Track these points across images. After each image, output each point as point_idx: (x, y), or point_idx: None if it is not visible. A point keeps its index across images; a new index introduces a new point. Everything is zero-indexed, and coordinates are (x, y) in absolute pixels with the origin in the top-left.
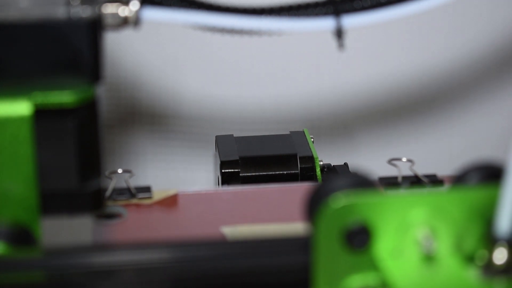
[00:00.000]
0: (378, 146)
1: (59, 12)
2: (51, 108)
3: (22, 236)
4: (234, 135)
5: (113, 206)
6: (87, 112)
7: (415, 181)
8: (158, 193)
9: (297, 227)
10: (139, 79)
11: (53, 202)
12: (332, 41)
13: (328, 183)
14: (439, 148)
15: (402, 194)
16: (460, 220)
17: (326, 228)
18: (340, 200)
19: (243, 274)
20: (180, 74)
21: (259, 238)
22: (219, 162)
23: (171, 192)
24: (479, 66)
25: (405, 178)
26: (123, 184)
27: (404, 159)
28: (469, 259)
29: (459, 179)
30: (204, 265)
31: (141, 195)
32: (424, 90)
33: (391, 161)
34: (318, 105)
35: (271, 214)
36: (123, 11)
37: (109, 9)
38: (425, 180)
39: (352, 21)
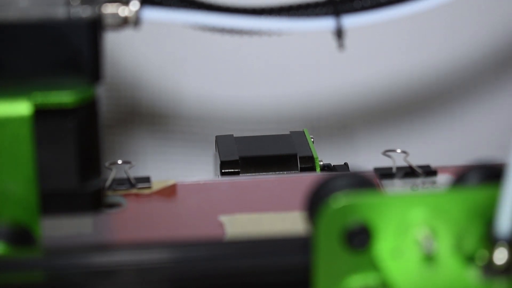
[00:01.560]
0: (378, 146)
1: (59, 12)
2: (51, 108)
3: (22, 236)
4: (234, 135)
5: (113, 196)
6: (87, 112)
7: (409, 171)
8: (157, 183)
9: (294, 216)
10: (139, 79)
11: (53, 202)
12: (332, 41)
13: (328, 183)
14: (439, 148)
15: (402, 194)
16: (460, 220)
17: (326, 228)
18: (340, 200)
19: (243, 274)
20: (180, 74)
21: (259, 238)
22: (219, 162)
23: (170, 182)
24: (479, 66)
25: (399, 169)
26: (123, 175)
27: (398, 151)
28: (470, 259)
29: (459, 179)
30: (204, 265)
31: (140, 185)
32: (424, 90)
33: (385, 152)
34: (318, 105)
35: (268, 203)
36: (123, 11)
37: (109, 9)
38: (419, 170)
39: (352, 21)
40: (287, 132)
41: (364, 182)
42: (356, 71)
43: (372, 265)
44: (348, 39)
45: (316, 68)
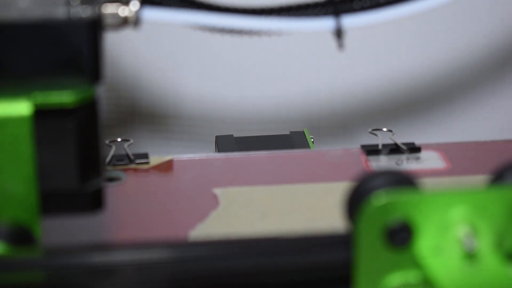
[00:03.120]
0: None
1: (59, 12)
2: (51, 108)
3: (22, 236)
4: (234, 135)
5: (113, 171)
6: (87, 112)
7: (394, 148)
8: (155, 159)
9: (284, 189)
10: (139, 79)
11: (53, 202)
12: (332, 41)
13: (368, 181)
14: None
15: (443, 192)
16: (501, 218)
17: (367, 226)
18: (382, 198)
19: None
20: (180, 74)
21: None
22: None
23: (167, 158)
24: (479, 66)
25: (385, 146)
26: (122, 152)
27: (384, 129)
28: (511, 257)
29: (498, 177)
30: (204, 265)
31: (138, 160)
32: (424, 90)
33: (372, 131)
34: (318, 105)
35: (260, 177)
36: (123, 11)
37: (109, 9)
38: (403, 147)
39: (351, 21)
40: (287, 132)
41: (404, 180)
42: (356, 71)
43: (413, 263)
44: (348, 39)
45: (316, 68)
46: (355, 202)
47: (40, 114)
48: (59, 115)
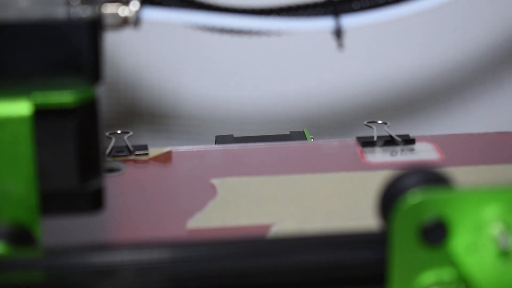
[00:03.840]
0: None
1: (59, 12)
2: (51, 108)
3: (22, 236)
4: (234, 135)
5: (112, 162)
6: (87, 112)
7: (389, 140)
8: (154, 151)
9: (282, 179)
10: (139, 79)
11: (53, 202)
12: (332, 41)
13: (402, 179)
14: None
15: (478, 189)
16: None
17: (402, 224)
18: (417, 196)
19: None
20: (180, 74)
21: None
22: None
23: (166, 149)
24: (479, 65)
25: (380, 137)
26: (122, 144)
27: (379, 121)
28: None
29: None
30: (205, 265)
31: (138, 152)
32: (423, 90)
33: (367, 123)
34: (318, 105)
35: (259, 168)
36: (123, 11)
37: (109, 9)
38: (398, 139)
39: (351, 21)
40: (287, 132)
41: (438, 178)
42: (355, 71)
43: (447, 261)
44: (348, 39)
45: (316, 68)
46: (389, 201)
47: (40, 114)
48: (59, 115)
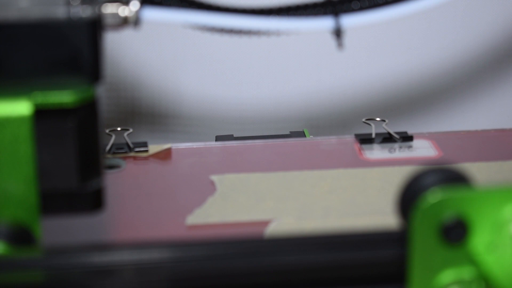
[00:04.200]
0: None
1: (59, 12)
2: (51, 108)
3: (22, 236)
4: (234, 135)
5: (113, 159)
6: (87, 112)
7: (387, 137)
8: (154, 148)
9: (280, 176)
10: (139, 79)
11: (53, 202)
12: (331, 41)
13: (422, 178)
14: None
15: (498, 188)
16: None
17: (422, 223)
18: (437, 195)
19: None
20: (180, 74)
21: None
22: None
23: (166, 146)
24: (478, 65)
25: (378, 134)
26: (122, 141)
27: (377, 119)
28: None
29: None
30: (204, 265)
31: (138, 149)
32: (423, 89)
33: (366, 120)
34: (318, 104)
35: (256, 165)
36: (123, 11)
37: (109, 9)
38: (396, 136)
39: (350, 21)
40: (287, 132)
41: (458, 177)
42: (355, 71)
43: (467, 259)
44: (347, 39)
45: (316, 68)
46: (409, 200)
47: (40, 114)
48: (59, 115)
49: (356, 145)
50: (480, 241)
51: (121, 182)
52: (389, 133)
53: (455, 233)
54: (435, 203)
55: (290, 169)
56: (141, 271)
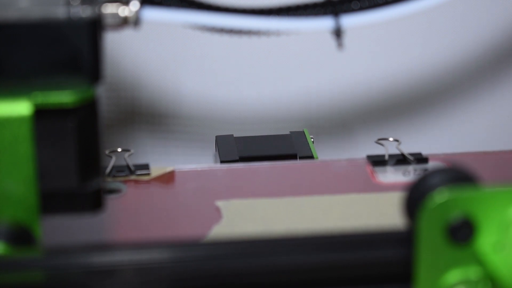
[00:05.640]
0: (378, 146)
1: (59, 12)
2: (51, 108)
3: (22, 236)
4: (234, 135)
5: (112, 182)
6: (87, 112)
7: (401, 159)
8: (156, 170)
9: (288, 201)
10: (139, 79)
11: (53, 202)
12: (331, 41)
13: (429, 178)
14: (439, 146)
15: (504, 188)
16: None
17: (429, 223)
18: (444, 195)
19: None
20: (180, 74)
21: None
22: (219, 162)
23: (168, 169)
24: (479, 65)
25: (391, 156)
26: (122, 162)
27: (390, 139)
28: None
29: None
30: (204, 265)
31: (139, 171)
32: (423, 89)
33: (378, 141)
34: (317, 105)
35: (263, 189)
36: (123, 11)
37: (109, 9)
38: (410, 158)
39: (350, 21)
40: (287, 132)
41: (464, 177)
42: (355, 71)
43: (474, 259)
44: (347, 39)
45: (316, 68)
46: (416, 200)
47: (40, 114)
48: (59, 115)
49: (368, 167)
50: (486, 241)
51: (121, 208)
52: (403, 155)
53: (462, 233)
54: (442, 203)
55: (299, 194)
56: (141, 272)
